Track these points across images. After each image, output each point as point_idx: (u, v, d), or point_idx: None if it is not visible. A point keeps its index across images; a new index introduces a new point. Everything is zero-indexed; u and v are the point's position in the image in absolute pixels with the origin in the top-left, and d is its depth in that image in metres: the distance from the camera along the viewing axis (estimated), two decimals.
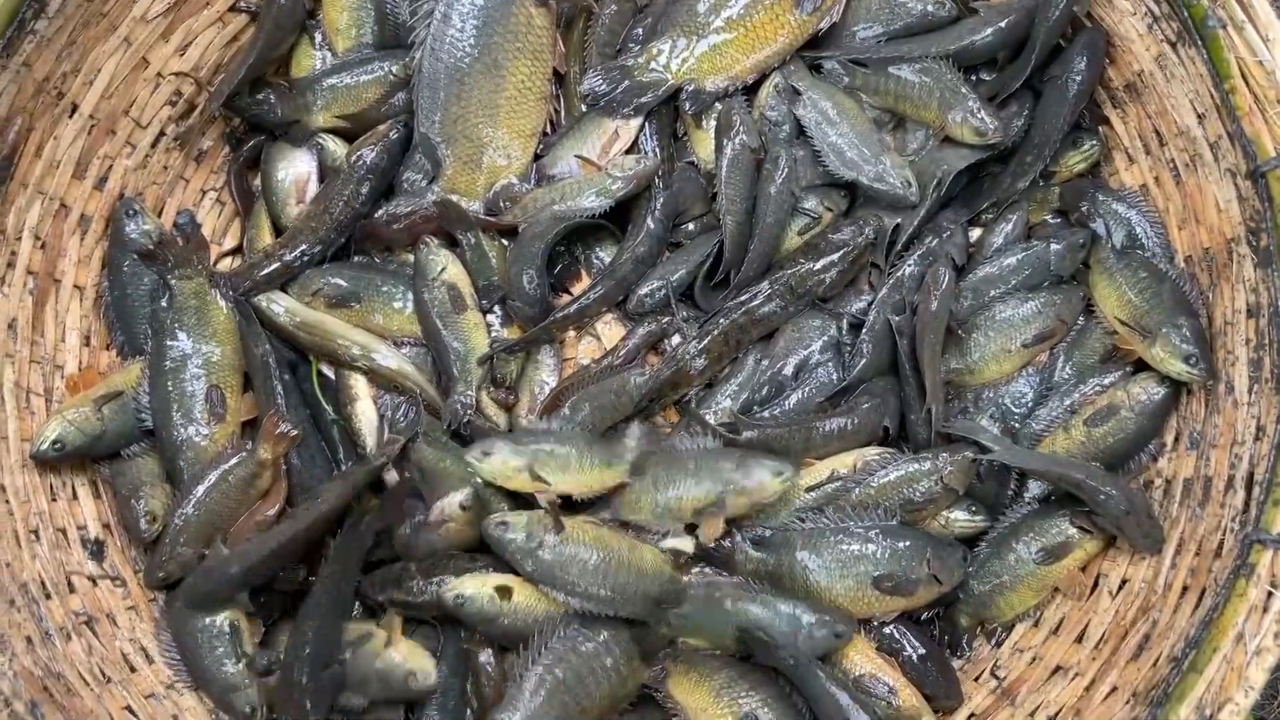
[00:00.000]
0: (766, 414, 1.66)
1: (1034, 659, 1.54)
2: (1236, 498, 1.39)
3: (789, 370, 1.69)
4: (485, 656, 1.53)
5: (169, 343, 1.60)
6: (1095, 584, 1.55)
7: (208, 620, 1.50)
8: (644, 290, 1.71)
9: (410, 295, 1.70)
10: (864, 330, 1.66)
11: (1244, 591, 1.26)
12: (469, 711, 1.54)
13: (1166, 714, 1.22)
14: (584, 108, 1.74)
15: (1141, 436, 1.56)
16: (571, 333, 1.75)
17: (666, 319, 1.71)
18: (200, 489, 1.55)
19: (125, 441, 1.60)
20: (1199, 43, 1.45)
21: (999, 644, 1.60)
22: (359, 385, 1.69)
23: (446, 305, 1.66)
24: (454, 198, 1.71)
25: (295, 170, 1.77)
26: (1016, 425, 1.64)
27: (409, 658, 1.52)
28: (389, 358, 1.68)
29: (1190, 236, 1.57)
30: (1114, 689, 1.38)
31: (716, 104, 1.71)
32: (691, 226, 1.78)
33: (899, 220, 1.70)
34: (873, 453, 1.60)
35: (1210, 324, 1.53)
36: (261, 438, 1.55)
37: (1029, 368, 1.67)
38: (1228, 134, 1.44)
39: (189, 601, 1.50)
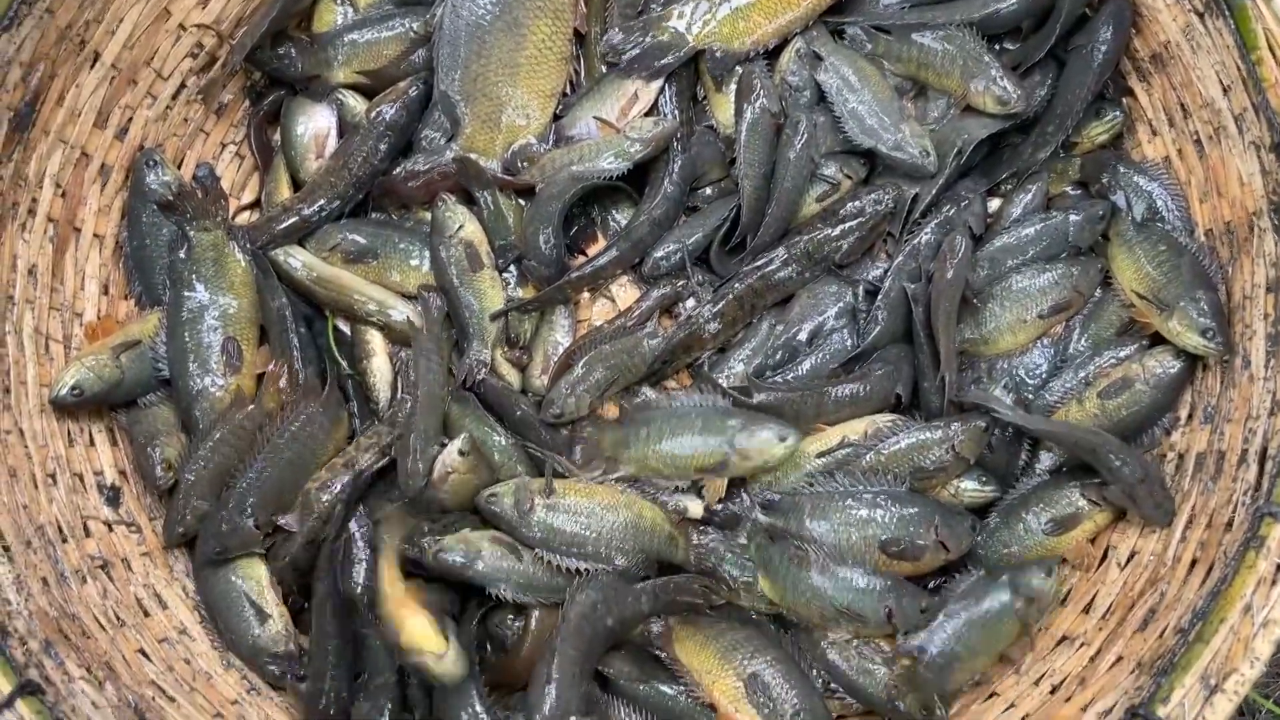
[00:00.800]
0: (779, 379, 1.66)
1: (1040, 628, 1.54)
2: (1249, 472, 1.38)
3: (803, 336, 1.69)
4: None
5: (186, 294, 1.62)
6: (1104, 556, 1.55)
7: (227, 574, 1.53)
8: (660, 253, 1.71)
9: (427, 253, 1.71)
10: (879, 297, 1.66)
11: (1253, 564, 1.25)
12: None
13: (1171, 683, 1.22)
14: (604, 69, 1.73)
15: (1155, 410, 1.56)
16: (586, 294, 1.75)
17: (682, 282, 1.71)
18: (209, 443, 1.56)
19: (142, 390, 1.62)
20: (1227, 13, 1.43)
21: None
22: (375, 341, 1.69)
23: (463, 263, 1.67)
24: (472, 156, 1.71)
25: (315, 125, 1.77)
26: (1030, 396, 1.63)
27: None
28: (405, 314, 1.68)
29: (1212, 210, 1.56)
30: (1119, 659, 1.38)
31: (737, 68, 1.70)
32: (709, 191, 1.77)
33: (917, 190, 1.69)
34: (884, 419, 1.60)
35: (1229, 298, 1.52)
36: (266, 384, 1.56)
37: (1044, 339, 1.66)
38: (1253, 106, 1.42)
39: (207, 554, 1.52)
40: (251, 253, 1.65)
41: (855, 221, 1.67)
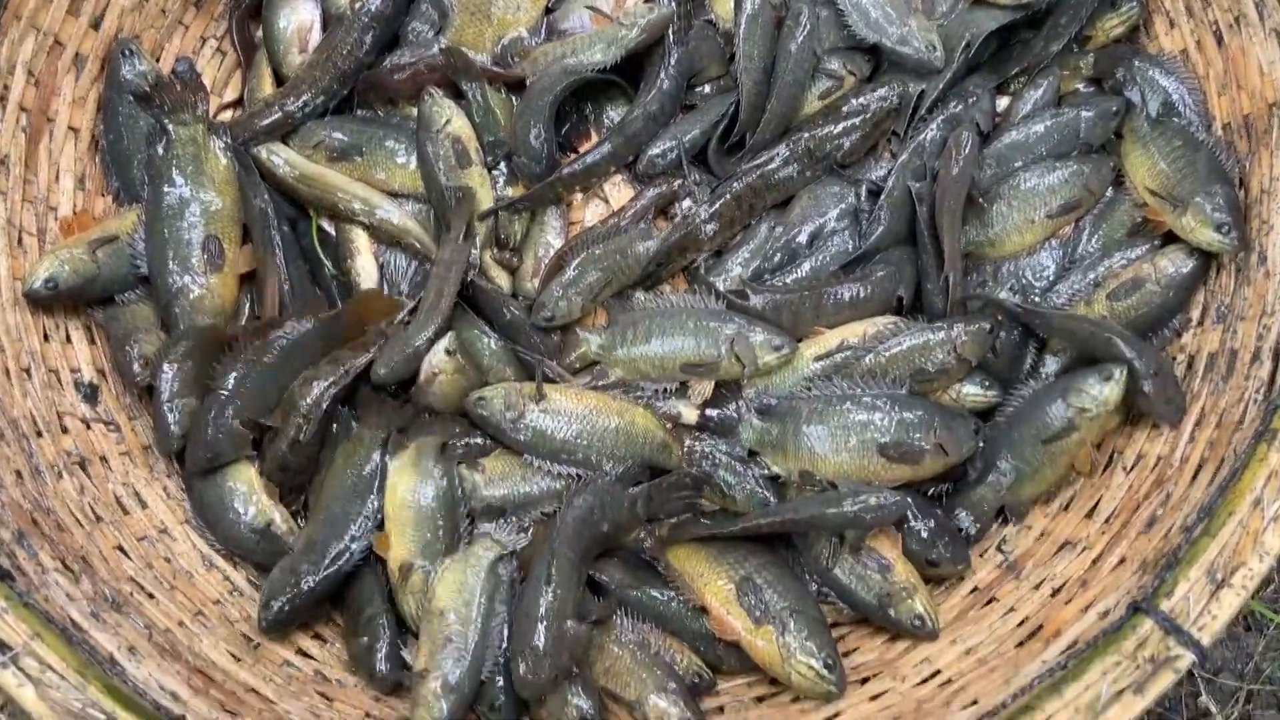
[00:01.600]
0: (778, 282, 1.61)
1: (1042, 534, 1.50)
2: (1262, 369, 1.33)
3: (803, 238, 1.64)
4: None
5: (166, 189, 1.56)
6: (1109, 461, 1.50)
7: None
8: (655, 150, 1.65)
9: (413, 151, 1.65)
10: (882, 197, 1.60)
11: (1265, 456, 1.21)
12: None
13: (1175, 577, 1.18)
14: None
15: (1166, 311, 1.50)
16: (579, 194, 1.70)
17: (678, 181, 1.65)
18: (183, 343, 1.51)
19: (120, 287, 1.57)
20: None
21: (1006, 521, 1.55)
22: (360, 240, 1.65)
23: (451, 159, 1.61)
24: (461, 49, 1.64)
25: (298, 18, 1.71)
26: (1036, 298, 1.58)
27: None
28: (391, 212, 1.63)
29: (1230, 103, 1.49)
30: (1122, 560, 1.34)
31: None
32: (707, 89, 1.71)
33: (924, 86, 1.63)
34: (885, 320, 1.55)
35: (1246, 193, 1.46)
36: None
37: (1052, 240, 1.61)
38: None
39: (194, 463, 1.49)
40: (233, 149, 1.60)
41: (859, 119, 1.61)
